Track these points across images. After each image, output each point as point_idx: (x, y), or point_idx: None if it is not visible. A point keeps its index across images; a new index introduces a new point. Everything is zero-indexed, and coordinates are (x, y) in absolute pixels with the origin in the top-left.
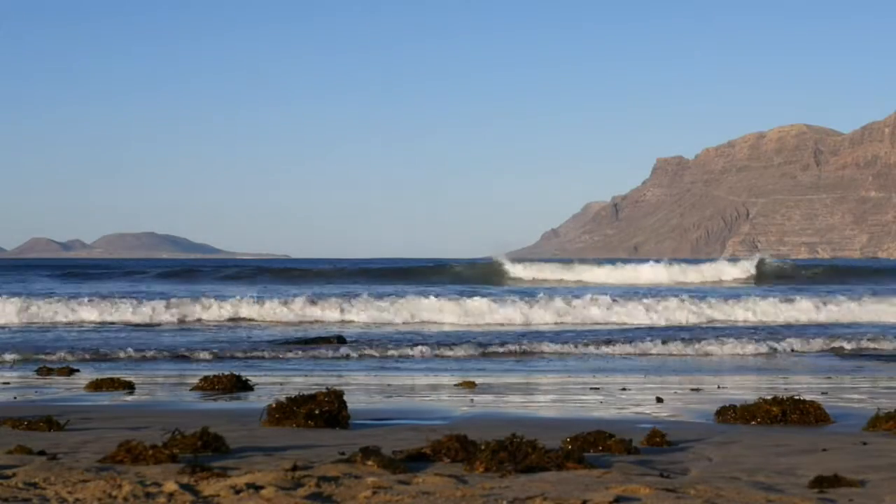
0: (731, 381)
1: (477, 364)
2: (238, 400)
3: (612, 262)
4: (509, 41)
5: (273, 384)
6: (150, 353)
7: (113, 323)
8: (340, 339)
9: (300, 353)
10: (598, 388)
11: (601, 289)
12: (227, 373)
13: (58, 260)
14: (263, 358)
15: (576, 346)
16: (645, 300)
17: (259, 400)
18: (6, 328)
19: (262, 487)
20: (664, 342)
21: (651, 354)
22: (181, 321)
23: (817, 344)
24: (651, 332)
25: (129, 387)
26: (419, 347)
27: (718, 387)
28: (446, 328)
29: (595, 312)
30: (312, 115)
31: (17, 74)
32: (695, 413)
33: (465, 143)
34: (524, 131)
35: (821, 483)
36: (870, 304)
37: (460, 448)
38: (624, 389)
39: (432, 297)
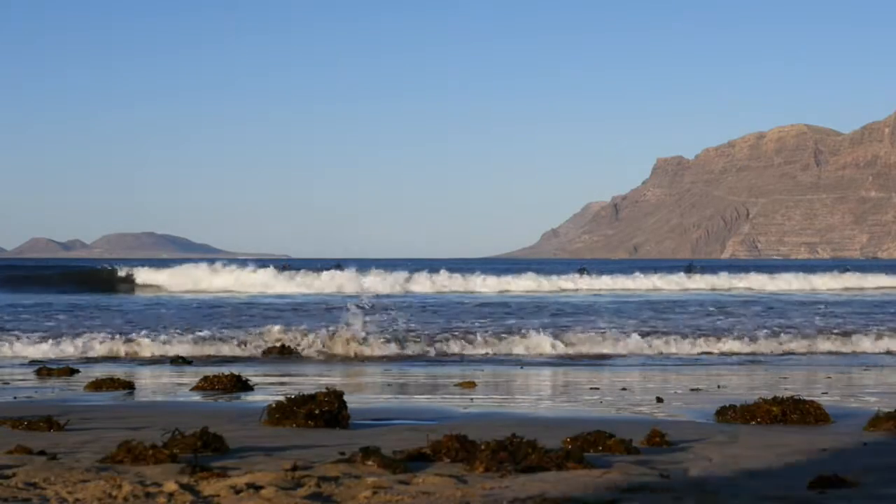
0: (731, 381)
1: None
2: (238, 400)
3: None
4: (509, 42)
5: (273, 384)
6: None
7: None
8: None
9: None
10: (598, 388)
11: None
12: (227, 373)
13: (59, 260)
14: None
15: None
16: None
17: (259, 400)
18: None
19: (262, 487)
20: None
21: None
22: None
23: None
24: None
25: (130, 387)
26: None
27: (718, 387)
28: None
29: None
30: (313, 116)
31: (18, 75)
32: (695, 413)
33: (466, 144)
34: (524, 131)
35: (821, 483)
36: None
37: (460, 448)
38: (624, 389)
39: None
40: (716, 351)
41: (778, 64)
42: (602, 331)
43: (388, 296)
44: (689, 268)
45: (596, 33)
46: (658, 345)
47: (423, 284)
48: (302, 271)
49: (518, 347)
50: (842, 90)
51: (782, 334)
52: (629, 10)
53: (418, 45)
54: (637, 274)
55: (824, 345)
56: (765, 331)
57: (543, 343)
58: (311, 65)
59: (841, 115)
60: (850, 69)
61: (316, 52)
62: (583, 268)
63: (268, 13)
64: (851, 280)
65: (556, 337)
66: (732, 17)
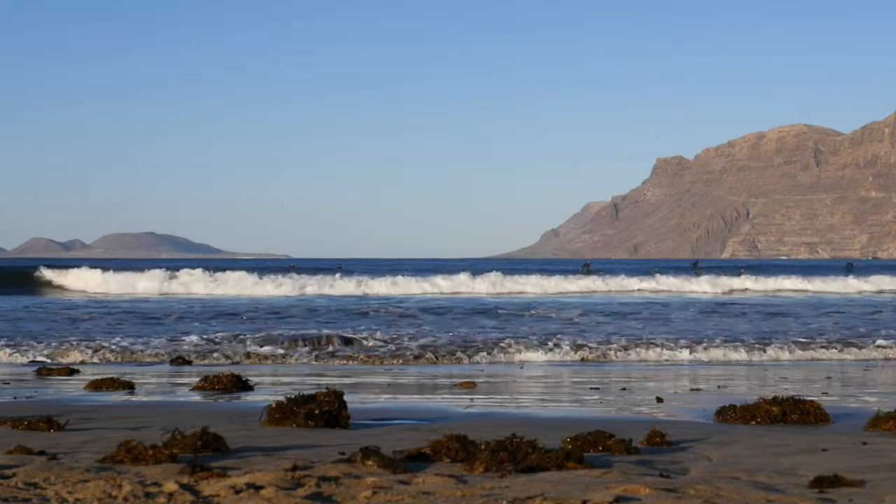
0: (732, 381)
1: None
2: (238, 400)
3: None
4: (509, 41)
5: (273, 384)
6: None
7: None
8: (340, 340)
9: (301, 352)
10: (598, 388)
11: None
12: (227, 373)
13: (59, 260)
14: (263, 357)
15: None
16: None
17: (259, 400)
18: None
19: (262, 487)
20: None
21: None
22: None
23: None
24: None
25: (130, 387)
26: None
27: (718, 387)
28: None
29: None
30: (313, 115)
31: (18, 75)
32: (695, 413)
33: (466, 143)
34: (524, 131)
35: (821, 483)
36: None
37: (460, 448)
38: (624, 389)
39: None
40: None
41: (778, 64)
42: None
43: (392, 297)
44: (695, 266)
45: (597, 33)
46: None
47: (437, 285)
48: (291, 274)
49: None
50: (842, 90)
51: None
52: (630, 10)
53: (417, 44)
54: (690, 277)
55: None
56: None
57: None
58: (311, 64)
59: (841, 115)
60: (850, 69)
61: (316, 51)
62: (587, 264)
63: (268, 12)
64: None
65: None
66: (733, 17)
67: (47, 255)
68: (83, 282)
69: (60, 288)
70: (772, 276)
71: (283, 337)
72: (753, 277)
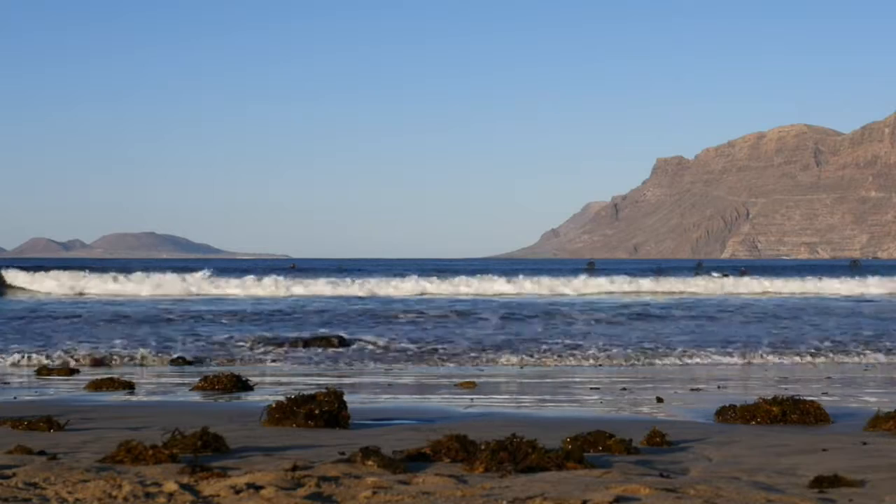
0: (731, 382)
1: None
2: (238, 400)
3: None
4: (509, 41)
5: (273, 384)
6: None
7: None
8: (341, 340)
9: (300, 353)
10: (598, 388)
11: None
12: (227, 373)
13: (59, 260)
14: (264, 357)
15: None
16: None
17: (259, 400)
18: None
19: (262, 487)
20: None
21: None
22: None
23: None
24: None
25: (130, 387)
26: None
27: (718, 387)
28: None
29: None
30: (313, 115)
31: (18, 75)
32: (695, 413)
33: (466, 143)
34: (524, 131)
35: (821, 483)
36: None
37: (460, 448)
38: (624, 389)
39: None
40: None
41: (778, 64)
42: None
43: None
44: (698, 266)
45: (597, 33)
46: None
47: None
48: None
49: None
50: (842, 90)
51: None
52: (630, 10)
53: (417, 44)
54: (693, 277)
55: None
56: None
57: None
58: (311, 64)
59: (841, 115)
60: (850, 69)
61: (316, 51)
62: (590, 263)
63: (268, 12)
64: None
65: None
66: (733, 17)
67: (47, 255)
68: (72, 283)
69: (37, 292)
70: (778, 276)
71: (283, 337)
72: (758, 278)
